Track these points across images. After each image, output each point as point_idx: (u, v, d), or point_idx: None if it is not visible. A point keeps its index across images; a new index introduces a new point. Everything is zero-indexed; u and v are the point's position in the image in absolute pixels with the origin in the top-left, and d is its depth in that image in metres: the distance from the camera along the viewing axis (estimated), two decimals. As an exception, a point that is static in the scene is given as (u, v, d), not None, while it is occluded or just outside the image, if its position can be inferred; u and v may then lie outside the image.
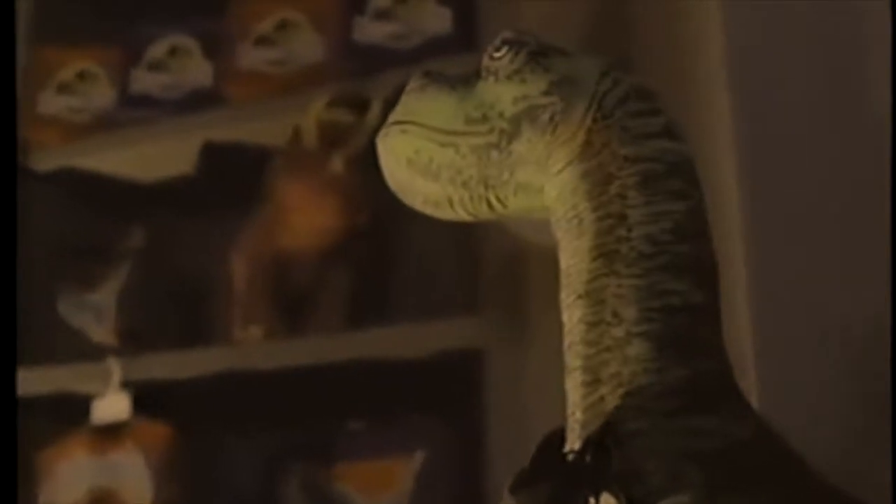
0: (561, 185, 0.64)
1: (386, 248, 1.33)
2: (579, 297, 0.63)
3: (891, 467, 0.64)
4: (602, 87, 0.64)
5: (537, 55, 0.65)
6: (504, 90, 0.65)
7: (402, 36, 1.30)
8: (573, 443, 0.62)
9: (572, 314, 0.63)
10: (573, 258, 0.64)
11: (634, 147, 0.63)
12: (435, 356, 1.18)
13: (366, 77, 1.29)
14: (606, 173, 0.63)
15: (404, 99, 0.70)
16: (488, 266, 1.15)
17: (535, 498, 0.64)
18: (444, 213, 0.69)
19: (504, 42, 0.66)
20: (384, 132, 0.69)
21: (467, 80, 0.68)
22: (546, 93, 0.64)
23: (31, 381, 1.44)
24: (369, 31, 1.33)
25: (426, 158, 0.66)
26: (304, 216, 1.28)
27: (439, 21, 1.29)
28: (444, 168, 0.66)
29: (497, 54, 0.66)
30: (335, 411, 1.28)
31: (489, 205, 0.67)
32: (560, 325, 0.67)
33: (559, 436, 0.64)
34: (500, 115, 0.65)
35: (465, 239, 1.21)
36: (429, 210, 0.69)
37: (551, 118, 0.63)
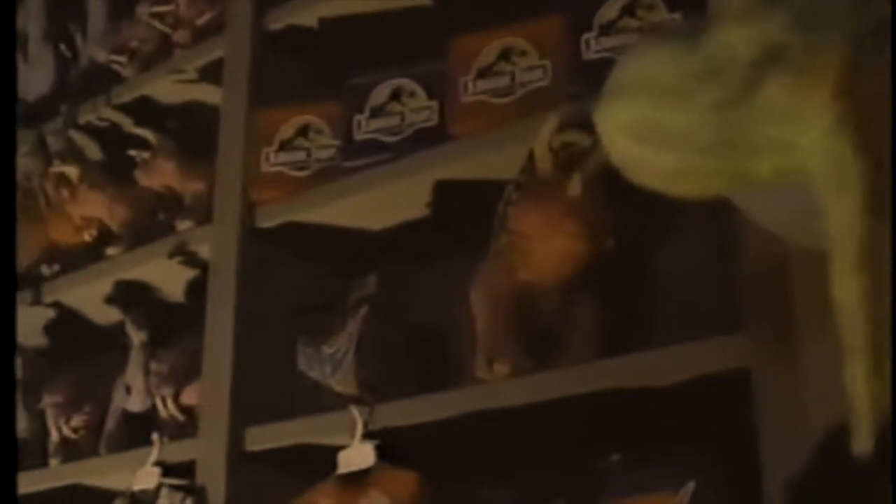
0: (816, 136, 0.55)
1: (635, 271, 1.32)
2: (853, 266, 0.56)
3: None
4: (854, 16, 0.55)
5: None
6: (738, 34, 0.57)
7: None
8: (862, 440, 0.56)
9: (847, 288, 0.57)
10: (841, 221, 0.56)
11: None
12: (698, 380, 1.16)
13: (597, 95, 1.28)
14: (869, 114, 0.55)
15: (621, 64, 0.64)
16: (748, 278, 1.12)
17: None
18: (682, 188, 0.63)
19: None
20: (602, 105, 0.63)
21: (693, 32, 0.59)
22: (787, 29, 0.56)
23: (276, 436, 1.50)
24: (597, 47, 1.33)
25: (655, 126, 0.59)
26: (545, 245, 1.28)
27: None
28: (678, 134, 0.58)
29: None
30: (592, 447, 1.26)
31: (734, 172, 0.59)
32: (835, 328, 0.62)
33: (841, 433, 0.59)
34: (736, 62, 0.56)
35: (721, 251, 1.19)
36: (663, 186, 0.63)
37: (797, 58, 0.55)
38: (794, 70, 0.55)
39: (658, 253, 1.35)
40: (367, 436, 1.38)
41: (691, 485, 1.17)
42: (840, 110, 0.55)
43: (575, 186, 1.27)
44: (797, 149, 0.56)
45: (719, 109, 0.57)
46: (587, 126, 1.29)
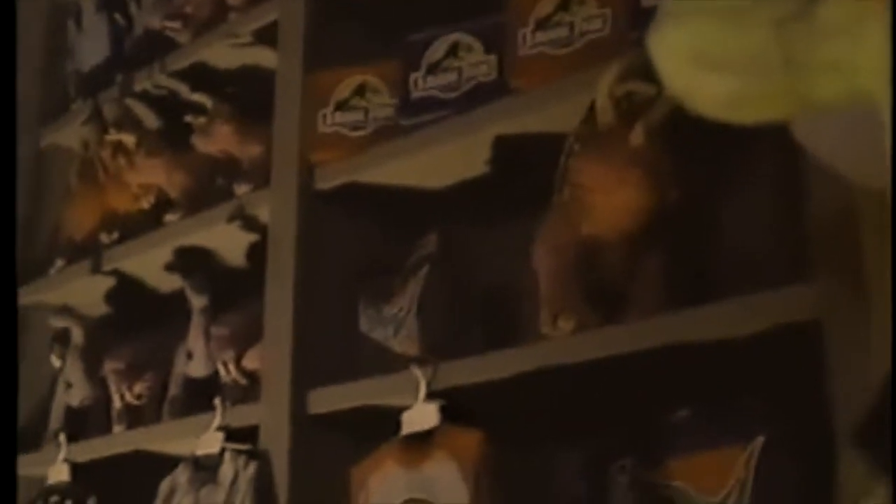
0: (875, 53, 0.53)
1: (700, 221, 1.32)
2: None
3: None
4: None
5: None
6: None
7: (695, -7, 1.29)
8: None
9: None
10: None
11: None
12: (766, 332, 1.16)
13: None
14: None
15: None
16: (817, 225, 1.12)
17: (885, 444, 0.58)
18: (742, 114, 0.60)
19: None
20: (654, 28, 0.62)
21: None
22: None
23: (338, 398, 1.52)
24: (659, -7, 1.32)
25: (713, 48, 0.57)
26: (608, 198, 1.29)
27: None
28: (737, 56, 0.57)
29: None
30: (660, 402, 1.27)
31: (797, 95, 0.56)
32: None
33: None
34: None
35: (787, 199, 1.18)
36: (722, 113, 0.61)
37: None
38: None
39: (724, 202, 1.35)
40: (431, 396, 1.40)
41: (761, 438, 1.17)
42: None
43: (637, 136, 1.28)
44: (859, 68, 0.54)
45: (779, 28, 0.55)
46: (649, 75, 1.29)
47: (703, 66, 0.58)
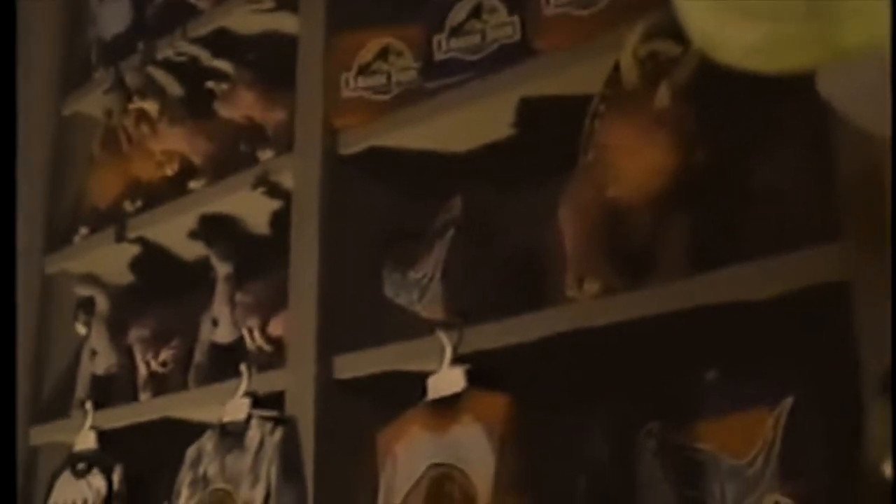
0: None
1: (727, 181, 1.32)
2: None
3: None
4: None
5: None
6: None
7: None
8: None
9: None
10: None
11: None
12: (794, 294, 1.15)
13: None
14: None
15: None
16: (845, 185, 1.11)
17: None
18: (770, 62, 0.60)
19: None
20: None
21: None
22: None
23: (364, 363, 1.53)
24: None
25: None
26: (634, 158, 1.29)
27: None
28: (762, 4, 0.57)
29: None
30: (686, 364, 1.27)
31: (823, 42, 0.56)
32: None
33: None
34: None
35: (816, 158, 1.18)
36: (751, 63, 0.61)
37: None
38: None
39: (750, 162, 1.34)
40: (456, 360, 1.40)
41: (789, 400, 1.17)
42: None
43: (663, 97, 1.27)
44: (883, 15, 0.54)
45: None
46: (674, 34, 1.29)
47: (727, 17, 0.58)
